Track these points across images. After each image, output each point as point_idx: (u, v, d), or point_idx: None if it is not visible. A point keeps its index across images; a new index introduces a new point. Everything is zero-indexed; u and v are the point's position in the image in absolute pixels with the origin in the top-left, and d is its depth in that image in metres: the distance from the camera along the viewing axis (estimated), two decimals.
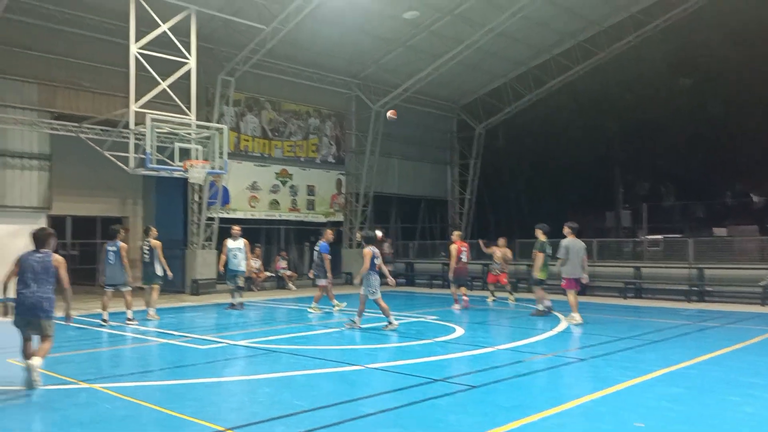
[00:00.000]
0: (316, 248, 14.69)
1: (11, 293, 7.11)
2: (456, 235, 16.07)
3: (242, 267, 15.22)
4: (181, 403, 6.39)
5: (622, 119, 29.17)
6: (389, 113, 17.28)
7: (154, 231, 13.40)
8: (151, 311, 13.22)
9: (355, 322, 11.64)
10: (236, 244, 15.20)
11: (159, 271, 13.19)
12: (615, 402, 6.40)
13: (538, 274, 13.50)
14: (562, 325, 11.96)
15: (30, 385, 6.83)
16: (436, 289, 21.90)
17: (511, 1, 19.76)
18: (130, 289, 12.63)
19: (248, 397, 6.69)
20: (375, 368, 8.00)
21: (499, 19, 20.26)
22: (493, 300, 17.22)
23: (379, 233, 17.34)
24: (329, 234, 14.80)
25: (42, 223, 17.32)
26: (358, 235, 16.76)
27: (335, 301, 14.69)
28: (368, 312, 11.95)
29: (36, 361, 6.90)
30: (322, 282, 14.38)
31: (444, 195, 29.70)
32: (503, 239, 17.46)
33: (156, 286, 13.35)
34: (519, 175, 31.85)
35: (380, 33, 21.73)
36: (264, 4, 17.98)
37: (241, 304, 15.37)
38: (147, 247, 13.27)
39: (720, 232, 25.24)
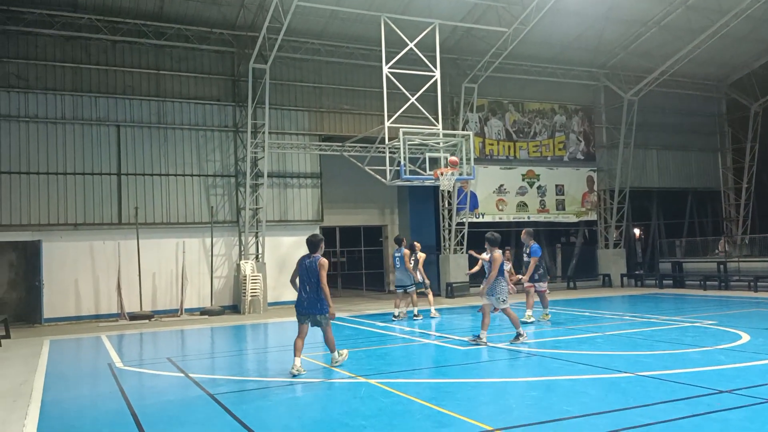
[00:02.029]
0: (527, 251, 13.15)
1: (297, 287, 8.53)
2: None
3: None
4: (451, 401, 6.63)
5: None
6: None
7: (418, 245, 14.57)
8: (433, 310, 14.46)
9: (480, 338, 10.10)
10: None
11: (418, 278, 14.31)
12: None
13: None
14: None
15: (298, 372, 8.05)
16: (711, 291, 19.56)
17: None
18: (414, 289, 14.07)
19: (514, 400, 6.67)
20: (647, 376, 7.39)
21: None
22: None
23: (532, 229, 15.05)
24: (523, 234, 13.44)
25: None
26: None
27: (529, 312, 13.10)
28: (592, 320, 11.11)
29: (336, 356, 8.58)
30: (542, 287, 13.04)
31: (715, 185, 26.48)
32: None
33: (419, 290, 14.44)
34: None
35: (628, 16, 20.29)
36: (504, 6, 18.03)
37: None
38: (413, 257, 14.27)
39: None
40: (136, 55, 17.56)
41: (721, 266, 21.16)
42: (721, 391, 6.54)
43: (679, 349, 9.27)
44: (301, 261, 8.30)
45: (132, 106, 17.48)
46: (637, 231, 27.47)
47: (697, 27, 19.68)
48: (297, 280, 8.41)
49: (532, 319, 12.79)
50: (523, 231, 13.37)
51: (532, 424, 5.59)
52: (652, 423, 5.49)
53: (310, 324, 8.32)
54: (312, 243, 8.32)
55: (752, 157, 25.58)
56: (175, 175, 17.85)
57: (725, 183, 26.50)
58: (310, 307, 8.20)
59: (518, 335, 10.20)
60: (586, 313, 14.48)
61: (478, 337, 10.16)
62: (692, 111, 25.48)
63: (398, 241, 14.43)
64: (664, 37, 20.86)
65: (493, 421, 5.74)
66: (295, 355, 8.16)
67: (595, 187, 23.82)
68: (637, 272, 24.05)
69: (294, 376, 7.97)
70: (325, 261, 8.17)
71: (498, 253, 10.07)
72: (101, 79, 17.21)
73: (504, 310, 10.22)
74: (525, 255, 13.05)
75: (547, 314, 13.15)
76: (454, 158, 15.90)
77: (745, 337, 10.04)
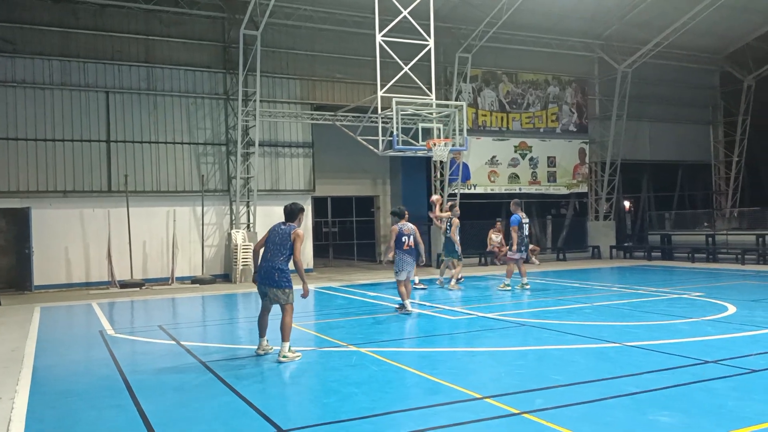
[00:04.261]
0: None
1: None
2: None
3: None
4: (441, 369, 6.71)
5: None
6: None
7: (457, 210, 14.34)
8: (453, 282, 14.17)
9: (404, 307, 10.63)
10: None
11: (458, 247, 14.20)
12: None
13: None
14: None
15: (264, 352, 7.47)
16: (699, 263, 19.78)
17: None
18: (454, 260, 14.08)
19: (504, 368, 6.75)
20: (635, 346, 7.50)
21: None
22: None
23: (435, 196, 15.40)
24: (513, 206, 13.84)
25: (308, 204, 19.49)
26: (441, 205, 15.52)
27: (525, 279, 13.66)
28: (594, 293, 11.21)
29: (287, 351, 7.18)
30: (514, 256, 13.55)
31: (706, 159, 26.57)
32: None
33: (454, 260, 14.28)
34: None
35: None
36: None
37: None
38: (448, 223, 14.13)
39: None
40: (125, 20, 17.22)
41: (710, 239, 21.36)
42: (707, 362, 6.64)
43: (666, 320, 9.39)
44: (274, 228, 7.46)
45: (121, 72, 17.20)
46: (627, 203, 27.61)
47: None
48: (261, 250, 7.48)
49: (528, 286, 13.47)
50: (512, 201, 13.87)
51: (520, 392, 5.67)
52: (639, 392, 5.58)
53: (269, 300, 7.40)
54: (290, 211, 7.51)
55: (743, 130, 25.62)
56: (165, 142, 17.67)
57: (716, 156, 26.59)
58: (266, 278, 7.29)
59: (402, 306, 10.60)
60: (576, 284, 14.62)
61: (402, 306, 10.65)
62: (686, 83, 25.41)
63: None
64: (661, 7, 20.61)
65: (483, 389, 5.81)
66: (260, 335, 7.53)
67: (587, 159, 23.83)
68: (626, 244, 24.24)
69: (259, 356, 7.45)
70: (301, 232, 7.41)
71: (395, 226, 10.57)
72: (90, 44, 16.89)
73: (397, 282, 10.64)
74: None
75: (507, 285, 13.53)
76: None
77: (732, 309, 10.19)
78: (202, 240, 17.76)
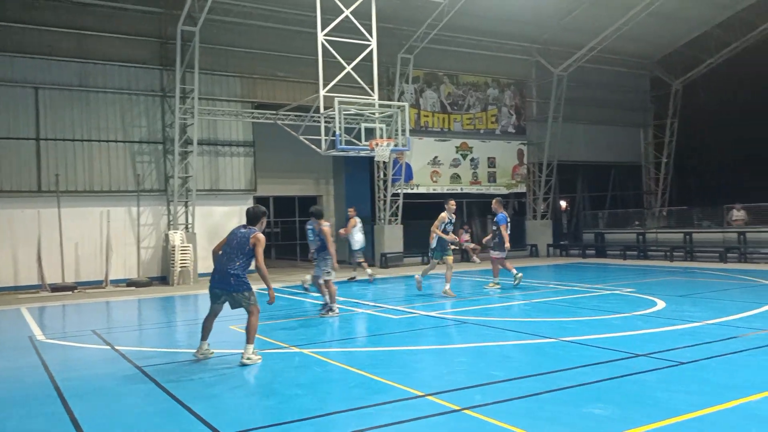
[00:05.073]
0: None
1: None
2: None
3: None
4: (384, 369, 6.73)
5: None
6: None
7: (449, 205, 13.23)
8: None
9: (333, 310, 10.40)
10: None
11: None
12: None
13: None
14: None
15: (204, 356, 7.31)
16: (630, 261, 20.58)
17: None
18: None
19: (445, 366, 6.85)
20: (570, 341, 7.74)
21: None
22: None
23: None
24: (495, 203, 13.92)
25: (250, 203, 19.19)
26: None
27: (514, 271, 13.64)
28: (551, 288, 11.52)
29: (250, 353, 7.04)
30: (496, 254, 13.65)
31: (637, 160, 27.69)
32: None
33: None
34: (726, 134, 28.47)
35: None
36: None
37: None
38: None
39: None
40: (56, 13, 16.52)
41: (640, 237, 22.26)
42: (638, 355, 6.91)
43: (600, 316, 9.73)
44: (234, 231, 7.29)
45: (51, 67, 16.51)
46: (563, 203, 28.46)
47: (629, 3, 20.17)
48: (220, 252, 7.26)
49: (498, 286, 13.46)
50: (494, 200, 14.05)
51: (461, 389, 5.77)
52: (574, 385, 5.76)
53: (229, 304, 7.23)
54: (253, 214, 7.34)
55: (672, 132, 26.81)
56: (99, 140, 17.08)
57: (646, 157, 27.73)
58: (221, 282, 7.08)
59: (330, 309, 10.31)
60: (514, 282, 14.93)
61: (330, 309, 10.35)
62: (618, 87, 26.36)
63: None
64: (595, 13, 21.28)
65: (425, 386, 5.87)
66: (201, 338, 7.36)
67: (525, 160, 24.42)
68: (562, 243, 24.97)
69: (198, 360, 7.29)
70: (262, 236, 7.13)
71: (327, 226, 10.17)
72: (18, 38, 16.12)
73: (327, 282, 10.26)
74: (494, 224, 13.76)
75: (497, 283, 13.60)
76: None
77: (661, 304, 10.64)
78: (138, 241, 17.25)
